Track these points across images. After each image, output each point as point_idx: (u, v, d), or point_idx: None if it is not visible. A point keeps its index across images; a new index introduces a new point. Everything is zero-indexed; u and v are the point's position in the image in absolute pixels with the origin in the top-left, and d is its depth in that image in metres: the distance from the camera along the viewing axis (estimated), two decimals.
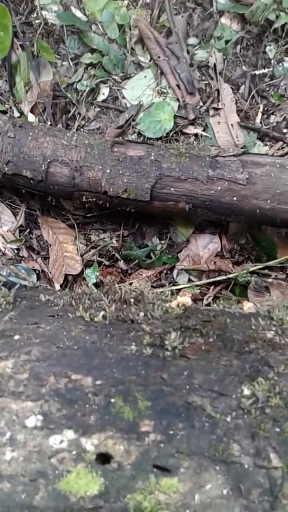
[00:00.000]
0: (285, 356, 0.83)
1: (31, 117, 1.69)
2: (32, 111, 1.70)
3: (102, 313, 0.90)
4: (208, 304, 1.61)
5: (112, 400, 0.74)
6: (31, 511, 0.65)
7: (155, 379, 0.78)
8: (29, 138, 1.49)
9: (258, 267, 1.64)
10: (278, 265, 1.64)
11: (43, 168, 1.48)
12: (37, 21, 1.70)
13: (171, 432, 0.71)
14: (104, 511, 0.65)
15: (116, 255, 1.69)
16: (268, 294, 1.61)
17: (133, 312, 0.92)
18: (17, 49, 1.70)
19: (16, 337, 0.85)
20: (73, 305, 0.94)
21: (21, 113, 1.70)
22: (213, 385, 0.77)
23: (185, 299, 0.95)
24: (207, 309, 0.98)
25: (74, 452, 0.68)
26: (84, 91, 1.72)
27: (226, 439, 0.71)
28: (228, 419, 0.73)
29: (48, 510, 0.64)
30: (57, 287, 1.08)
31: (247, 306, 1.02)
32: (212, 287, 1.66)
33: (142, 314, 0.91)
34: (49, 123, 1.68)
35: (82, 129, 1.73)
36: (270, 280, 1.61)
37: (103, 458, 0.69)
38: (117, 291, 0.99)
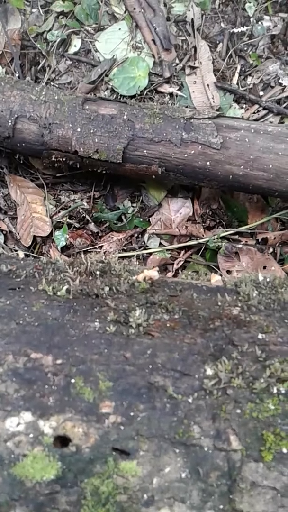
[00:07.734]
0: (250, 334, 0.82)
1: None
2: None
3: (65, 287, 0.87)
4: (177, 270, 1.60)
5: (73, 381, 0.72)
6: None
7: (118, 358, 0.76)
8: None
9: (229, 232, 1.63)
10: (249, 231, 1.63)
11: (9, 123, 1.41)
12: None
13: (131, 413, 0.70)
14: (60, 496, 0.64)
15: (87, 217, 1.65)
16: (238, 260, 1.60)
17: (98, 286, 0.89)
18: None
19: None
20: (36, 277, 0.91)
21: None
22: (176, 364, 0.76)
23: (152, 272, 0.92)
24: (174, 281, 0.96)
25: (31, 435, 0.67)
26: (55, 41, 1.63)
27: (187, 421, 0.70)
28: (190, 400, 0.72)
29: (2, 496, 0.63)
30: (21, 255, 1.04)
31: (215, 279, 1.00)
32: (183, 252, 1.64)
33: (107, 288, 0.88)
34: (17, 75, 1.60)
35: (52, 83, 1.65)
36: (240, 246, 1.60)
37: (61, 441, 0.68)
38: (83, 262, 0.96)
